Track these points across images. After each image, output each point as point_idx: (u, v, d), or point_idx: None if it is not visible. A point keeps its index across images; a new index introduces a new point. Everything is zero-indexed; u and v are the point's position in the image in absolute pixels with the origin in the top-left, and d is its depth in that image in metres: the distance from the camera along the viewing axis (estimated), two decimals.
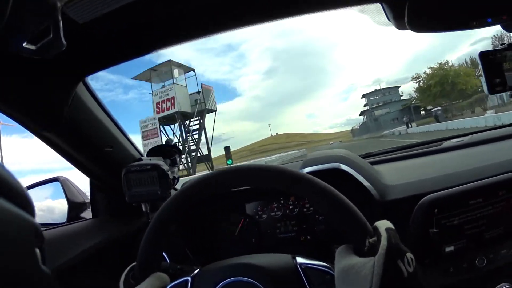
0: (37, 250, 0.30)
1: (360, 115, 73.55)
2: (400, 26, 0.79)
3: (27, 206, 0.30)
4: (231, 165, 0.67)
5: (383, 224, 0.57)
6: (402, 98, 64.83)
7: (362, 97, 73.18)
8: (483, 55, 0.89)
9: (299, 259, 0.66)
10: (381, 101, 65.42)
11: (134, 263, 0.69)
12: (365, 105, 71.14)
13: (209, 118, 25.37)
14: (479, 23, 0.78)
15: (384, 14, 0.84)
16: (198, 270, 0.70)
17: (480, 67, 0.91)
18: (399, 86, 71.72)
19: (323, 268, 0.62)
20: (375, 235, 0.55)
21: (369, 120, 61.93)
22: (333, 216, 0.58)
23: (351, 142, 47.88)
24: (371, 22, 0.91)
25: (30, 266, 0.29)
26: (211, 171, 0.68)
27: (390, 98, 65.47)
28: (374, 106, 65.20)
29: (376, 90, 70.87)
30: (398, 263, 0.50)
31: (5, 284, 0.25)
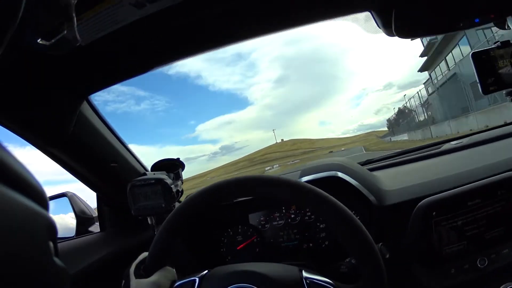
0: (50, 243, 0.31)
1: (421, 70, 26.34)
2: (389, 33, 0.80)
3: (42, 200, 0.31)
4: (254, 175, 0.69)
5: None
6: None
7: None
8: (475, 55, 0.88)
9: (305, 273, 0.66)
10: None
11: (144, 254, 0.72)
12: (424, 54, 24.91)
13: None
14: (467, 24, 0.78)
15: (374, 22, 0.86)
16: (206, 271, 0.71)
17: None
18: None
19: (327, 285, 0.63)
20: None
21: None
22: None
23: None
24: (362, 31, 0.92)
25: (43, 259, 0.29)
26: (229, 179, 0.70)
27: None
28: None
29: None
30: None
31: (19, 277, 0.25)
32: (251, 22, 0.86)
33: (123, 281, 0.70)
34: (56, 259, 0.31)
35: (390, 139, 40.77)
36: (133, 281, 0.67)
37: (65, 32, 0.51)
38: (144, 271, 0.70)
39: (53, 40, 0.52)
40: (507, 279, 0.93)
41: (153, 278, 0.67)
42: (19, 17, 0.38)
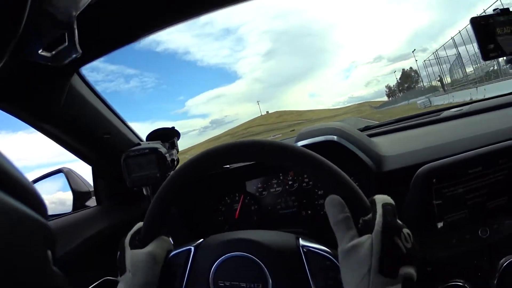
0: (49, 252, 0.31)
1: None
2: None
3: (40, 207, 0.31)
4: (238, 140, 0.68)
5: (381, 199, 0.56)
6: None
7: None
8: (474, 21, 0.87)
9: (302, 241, 0.65)
10: None
11: (139, 223, 0.71)
12: None
13: None
14: None
15: None
16: (202, 240, 0.71)
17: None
18: None
19: (324, 253, 0.62)
20: (371, 211, 0.55)
21: None
22: (332, 191, 0.58)
23: None
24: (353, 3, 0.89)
25: (42, 268, 0.29)
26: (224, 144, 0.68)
27: None
28: None
29: None
30: (395, 239, 0.50)
31: (17, 284, 0.25)
32: None
33: (118, 252, 0.69)
34: (54, 268, 0.31)
35: (430, 102, 27.77)
36: (128, 252, 0.66)
37: (66, 44, 0.50)
38: (139, 242, 0.68)
39: (54, 52, 0.51)
40: (509, 251, 0.92)
41: (148, 248, 0.66)
42: (21, 29, 0.39)
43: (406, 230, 0.52)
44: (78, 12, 0.70)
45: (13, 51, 0.38)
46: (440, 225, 0.93)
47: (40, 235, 0.30)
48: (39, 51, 0.50)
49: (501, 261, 0.90)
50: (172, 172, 0.69)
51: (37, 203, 0.31)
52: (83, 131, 1.08)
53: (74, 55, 0.50)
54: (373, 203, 0.56)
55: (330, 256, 0.61)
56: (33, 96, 0.88)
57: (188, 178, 0.68)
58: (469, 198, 0.93)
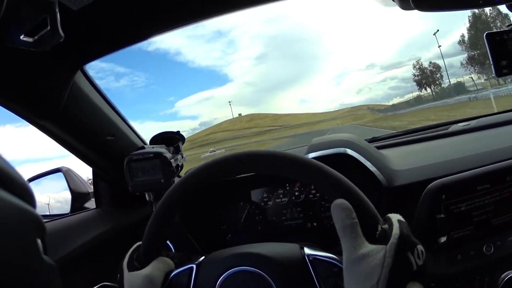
0: (39, 241, 0.30)
1: None
2: (405, 6, 0.76)
3: (28, 197, 0.30)
4: (244, 151, 0.66)
5: (395, 216, 0.56)
6: None
7: None
8: (489, 36, 0.86)
9: (307, 250, 0.64)
10: None
11: (138, 243, 0.69)
12: None
13: None
14: (486, 1, 0.75)
15: None
16: (203, 257, 0.69)
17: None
18: None
19: (331, 260, 0.61)
20: (386, 224, 0.54)
21: None
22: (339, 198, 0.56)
23: None
24: (375, 2, 0.88)
25: (31, 257, 0.29)
26: (224, 156, 0.67)
27: None
28: None
29: None
30: (408, 254, 0.50)
31: (7, 276, 0.25)
32: None
33: (118, 275, 0.67)
34: (45, 257, 0.31)
35: None
36: (126, 274, 0.65)
37: (48, 28, 0.49)
38: (137, 262, 0.66)
39: (36, 37, 0.50)
40: (511, 267, 0.92)
41: (146, 271, 0.64)
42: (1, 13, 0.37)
43: (420, 247, 0.52)
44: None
45: None
46: (443, 239, 0.92)
47: (28, 224, 0.29)
48: (21, 37, 0.49)
49: (502, 276, 0.91)
50: (168, 190, 0.67)
51: (24, 192, 0.30)
52: (85, 131, 1.05)
53: (56, 40, 0.49)
54: (388, 219, 0.56)
55: (337, 263, 0.60)
56: (34, 92, 0.85)
57: (184, 195, 0.66)
58: (476, 214, 0.92)
